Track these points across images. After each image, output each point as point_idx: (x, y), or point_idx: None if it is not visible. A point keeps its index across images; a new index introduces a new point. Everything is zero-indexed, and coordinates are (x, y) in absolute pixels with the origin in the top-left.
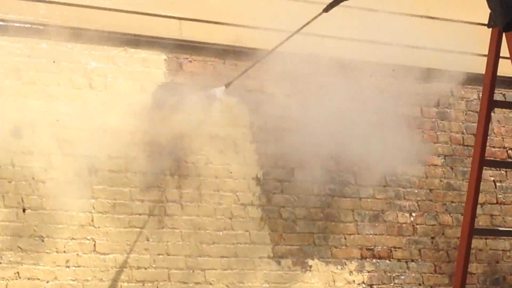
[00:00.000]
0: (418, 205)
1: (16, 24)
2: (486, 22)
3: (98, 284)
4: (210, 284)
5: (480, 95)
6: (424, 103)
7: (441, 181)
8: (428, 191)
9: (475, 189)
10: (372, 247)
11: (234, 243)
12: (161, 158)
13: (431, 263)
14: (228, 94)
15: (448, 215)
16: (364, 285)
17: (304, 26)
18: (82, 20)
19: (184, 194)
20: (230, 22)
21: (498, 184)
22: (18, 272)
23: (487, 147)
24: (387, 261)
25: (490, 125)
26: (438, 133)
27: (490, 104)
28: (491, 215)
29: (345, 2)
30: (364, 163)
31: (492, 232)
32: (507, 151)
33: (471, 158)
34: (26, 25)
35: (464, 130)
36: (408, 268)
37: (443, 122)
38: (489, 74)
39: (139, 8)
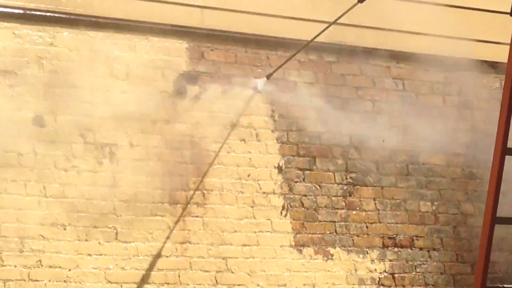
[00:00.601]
0: (440, 194)
1: (38, 13)
2: (508, 10)
3: (119, 273)
4: (232, 272)
5: (503, 84)
6: (446, 92)
7: (463, 169)
8: (450, 180)
9: (497, 178)
10: (394, 236)
11: (255, 231)
12: (182, 146)
13: (453, 252)
14: (252, 83)
15: (470, 204)
16: (386, 274)
17: (340, 16)
18: (104, 8)
19: (206, 183)
20: (252, 11)
21: None
22: (40, 260)
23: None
24: (409, 250)
25: None
26: (460, 122)
27: None
28: None
29: None
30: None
31: None
32: None
33: (493, 147)
34: (48, 14)
35: (486, 119)
36: (430, 257)
37: (465, 110)
38: (511, 62)
39: None
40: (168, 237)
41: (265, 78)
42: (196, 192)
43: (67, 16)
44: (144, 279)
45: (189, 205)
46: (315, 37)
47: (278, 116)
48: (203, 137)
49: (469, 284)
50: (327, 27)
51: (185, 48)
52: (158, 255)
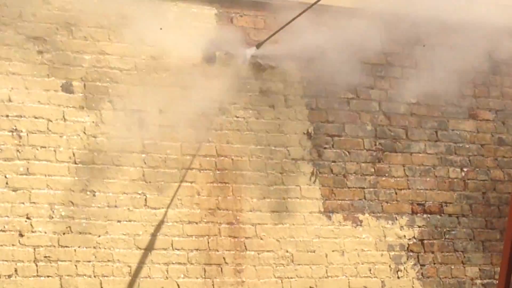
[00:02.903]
0: (470, 160)
1: None
2: None
3: (149, 239)
4: (261, 238)
5: None
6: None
7: (492, 136)
8: (480, 146)
9: None
10: (423, 202)
11: (285, 197)
12: (211, 112)
13: (482, 218)
14: (279, 49)
15: (500, 170)
16: (415, 240)
17: None
18: None
19: (235, 149)
20: None
21: None
22: (70, 227)
23: None
24: (438, 216)
25: None
26: (489, 88)
27: None
28: None
29: None
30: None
31: None
32: None
33: None
34: None
35: None
36: (459, 223)
37: (495, 76)
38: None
39: None
40: (197, 203)
41: (254, 48)
42: (225, 158)
43: None
44: (174, 246)
45: (218, 171)
46: (312, 5)
47: (307, 82)
48: (233, 103)
49: (498, 250)
50: None
51: (214, 14)
52: (187, 221)
